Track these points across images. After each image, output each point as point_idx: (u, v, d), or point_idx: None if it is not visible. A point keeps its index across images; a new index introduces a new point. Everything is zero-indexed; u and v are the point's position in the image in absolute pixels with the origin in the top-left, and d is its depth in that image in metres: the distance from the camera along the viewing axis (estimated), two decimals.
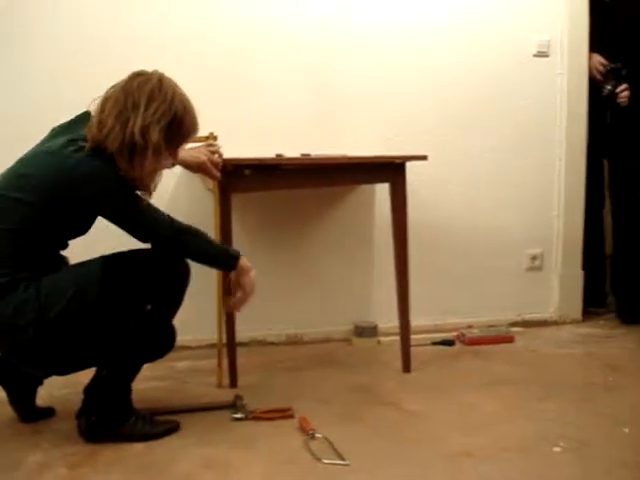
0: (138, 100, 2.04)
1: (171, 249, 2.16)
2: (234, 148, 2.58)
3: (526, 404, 2.51)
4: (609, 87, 3.51)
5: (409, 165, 2.80)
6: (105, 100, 2.08)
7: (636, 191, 3.64)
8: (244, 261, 2.26)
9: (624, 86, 3.49)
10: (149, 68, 2.12)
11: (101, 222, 2.15)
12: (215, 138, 2.61)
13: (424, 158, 2.75)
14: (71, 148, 2.03)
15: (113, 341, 2.10)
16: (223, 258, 2.27)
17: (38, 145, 2.16)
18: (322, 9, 3.26)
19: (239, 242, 2.66)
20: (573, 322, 3.64)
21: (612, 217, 3.79)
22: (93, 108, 2.10)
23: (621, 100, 3.51)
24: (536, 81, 3.53)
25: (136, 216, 2.12)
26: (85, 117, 2.14)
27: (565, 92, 3.55)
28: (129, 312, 2.09)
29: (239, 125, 3.10)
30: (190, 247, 2.19)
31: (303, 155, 2.81)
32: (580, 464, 2.03)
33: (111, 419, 2.17)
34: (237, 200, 2.78)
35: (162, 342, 2.28)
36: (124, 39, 3.03)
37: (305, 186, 2.95)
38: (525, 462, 2.04)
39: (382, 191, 3.00)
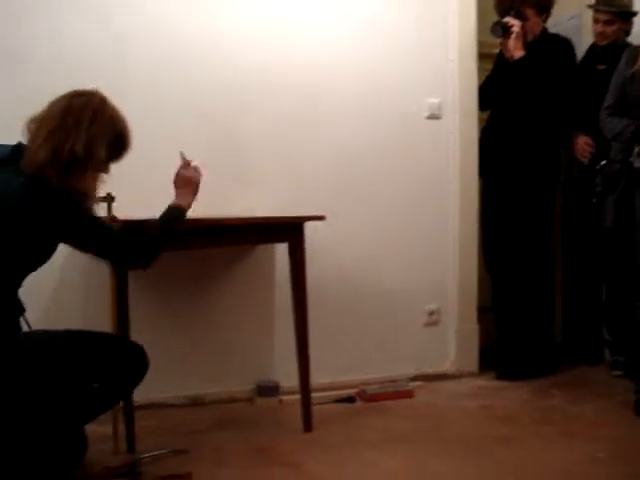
0: (81, 117, 2.06)
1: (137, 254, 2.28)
2: (132, 209, 2.56)
3: (424, 461, 2.55)
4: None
5: (309, 224, 2.84)
6: (41, 122, 2.05)
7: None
8: (184, 203, 2.38)
9: None
10: None
11: None
12: (113, 199, 2.57)
13: (322, 218, 2.81)
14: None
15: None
16: (177, 223, 2.35)
17: None
18: (233, 72, 3.30)
19: (136, 303, 2.63)
20: (470, 375, 3.73)
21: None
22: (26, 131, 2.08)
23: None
24: (429, 143, 3.66)
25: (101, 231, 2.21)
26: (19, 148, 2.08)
27: (457, 153, 3.70)
28: (76, 383, 2.09)
29: (136, 186, 3.06)
30: (151, 244, 2.29)
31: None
32: None
33: None
34: None
35: (71, 448, 2.22)
36: None
37: (205, 246, 2.93)
38: None
39: (282, 250, 3.02)
